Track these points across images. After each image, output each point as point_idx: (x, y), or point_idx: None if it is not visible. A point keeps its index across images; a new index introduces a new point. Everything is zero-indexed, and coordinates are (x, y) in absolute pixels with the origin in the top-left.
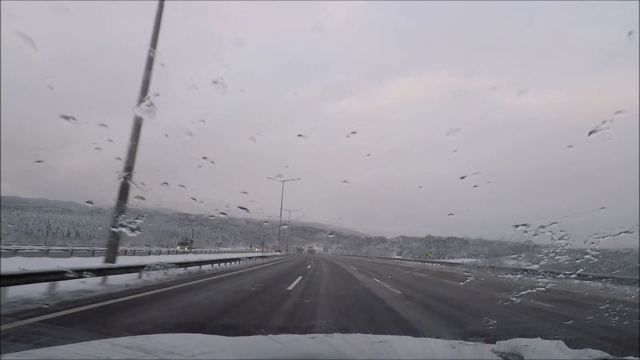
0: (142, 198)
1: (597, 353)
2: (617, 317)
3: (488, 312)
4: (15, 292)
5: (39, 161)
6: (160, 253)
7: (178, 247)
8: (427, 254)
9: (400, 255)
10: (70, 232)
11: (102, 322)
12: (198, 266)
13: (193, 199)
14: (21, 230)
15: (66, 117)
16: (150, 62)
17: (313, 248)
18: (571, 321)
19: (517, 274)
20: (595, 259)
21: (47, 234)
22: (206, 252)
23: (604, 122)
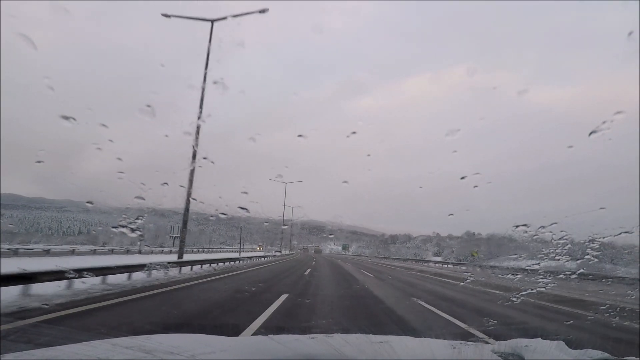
0: (142, 198)
1: (598, 353)
2: (617, 317)
3: None
4: None
5: (39, 161)
6: None
7: None
8: (473, 254)
9: (438, 256)
10: (82, 231)
11: None
12: None
13: (193, 199)
14: (31, 229)
15: (66, 118)
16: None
17: (320, 247)
18: (571, 321)
19: None
20: (596, 259)
21: (58, 233)
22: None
23: (604, 122)
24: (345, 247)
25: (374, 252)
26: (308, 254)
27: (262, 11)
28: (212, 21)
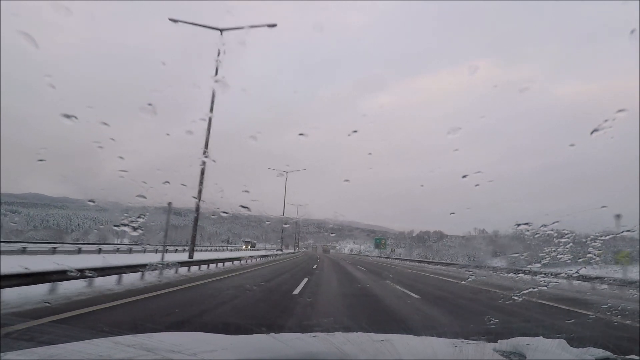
0: (144, 197)
1: (600, 352)
2: (619, 316)
3: None
4: None
5: (40, 160)
6: None
7: None
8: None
9: (497, 257)
10: (92, 228)
11: None
12: None
13: (194, 197)
14: (39, 226)
15: (67, 116)
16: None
17: (328, 246)
18: (573, 320)
19: None
20: (598, 258)
21: (67, 230)
22: None
23: (606, 120)
24: (379, 244)
25: (408, 252)
26: (316, 254)
27: (271, 26)
28: (221, 30)
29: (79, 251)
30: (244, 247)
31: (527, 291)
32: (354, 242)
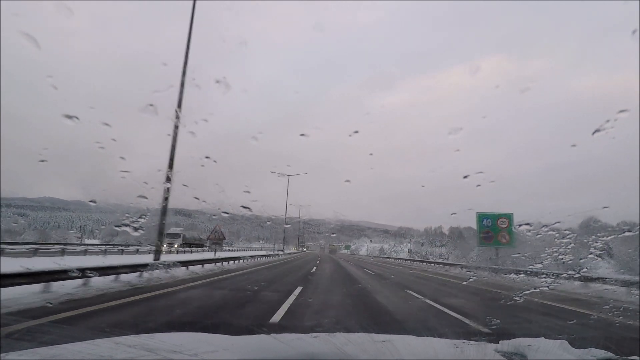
0: (145, 197)
1: (601, 352)
2: (620, 317)
3: None
4: None
5: (42, 160)
6: None
7: None
8: None
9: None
10: (95, 229)
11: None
12: None
13: (196, 197)
14: (41, 228)
15: (69, 117)
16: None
17: (334, 246)
18: (575, 320)
19: None
20: (599, 258)
21: (69, 229)
22: None
23: (607, 121)
24: (494, 236)
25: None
26: (319, 255)
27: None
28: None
29: None
30: (165, 243)
31: None
32: (370, 241)
